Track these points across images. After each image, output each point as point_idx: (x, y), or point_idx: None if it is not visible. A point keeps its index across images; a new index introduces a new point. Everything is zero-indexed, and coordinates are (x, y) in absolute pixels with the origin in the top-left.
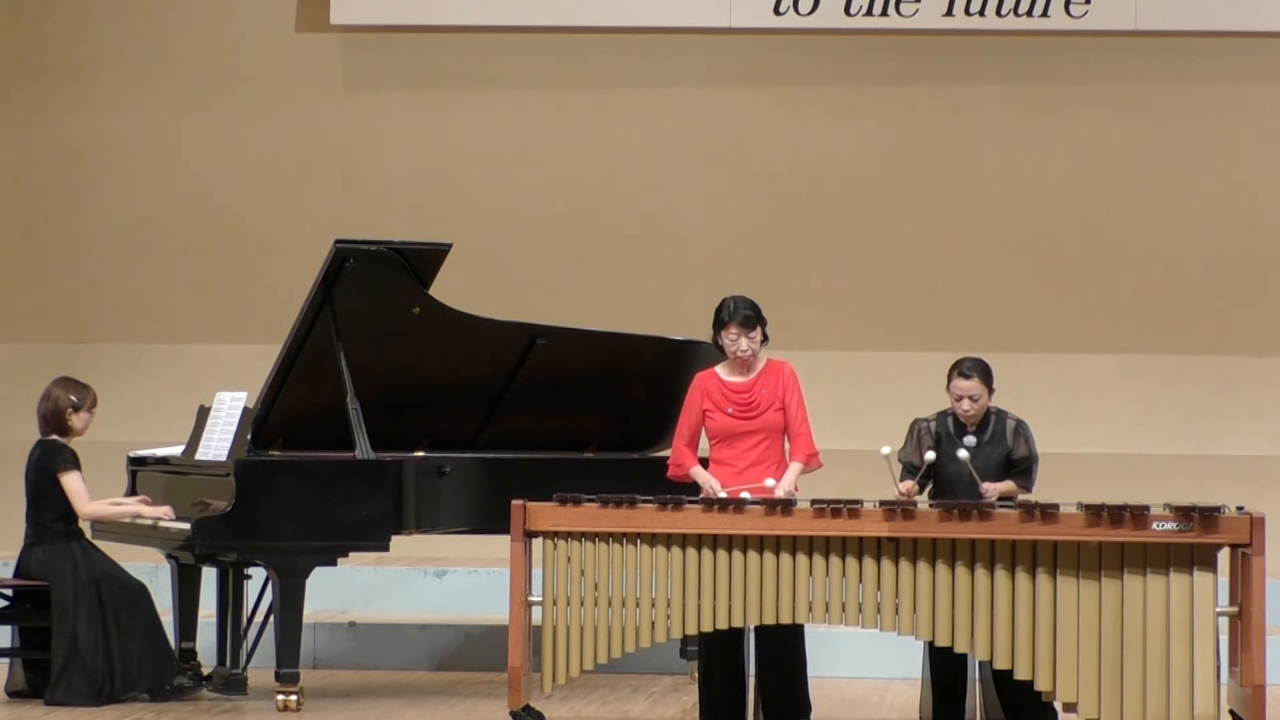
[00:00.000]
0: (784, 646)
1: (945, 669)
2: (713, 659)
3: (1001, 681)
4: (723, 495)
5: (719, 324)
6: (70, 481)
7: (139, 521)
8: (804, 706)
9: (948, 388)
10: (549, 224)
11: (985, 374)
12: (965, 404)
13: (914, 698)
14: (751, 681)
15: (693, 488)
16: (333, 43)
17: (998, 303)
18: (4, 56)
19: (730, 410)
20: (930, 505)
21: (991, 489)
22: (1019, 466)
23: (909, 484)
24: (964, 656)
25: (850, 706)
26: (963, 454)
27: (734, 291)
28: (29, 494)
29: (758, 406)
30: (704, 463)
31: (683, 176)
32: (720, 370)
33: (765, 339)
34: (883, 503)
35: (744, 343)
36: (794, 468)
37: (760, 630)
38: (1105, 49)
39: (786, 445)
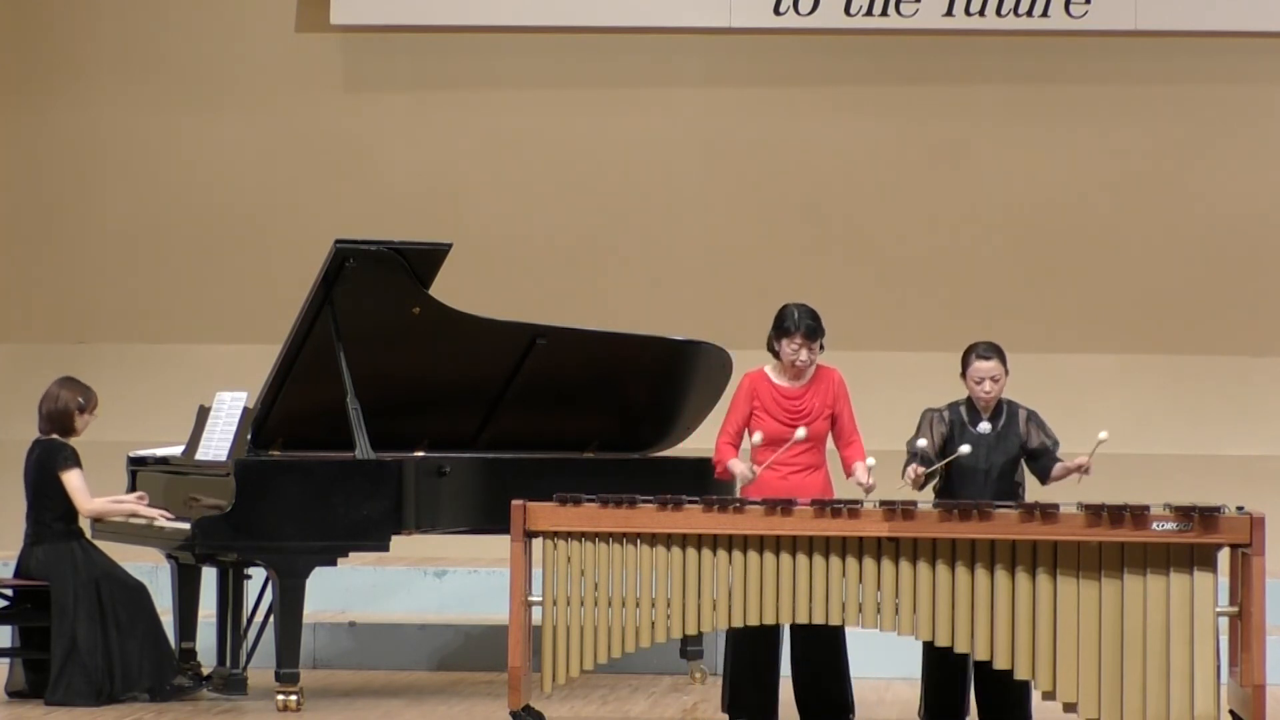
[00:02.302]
0: (822, 649)
1: (941, 666)
2: (742, 655)
3: (983, 679)
4: (754, 472)
5: (782, 332)
6: (72, 479)
7: (134, 520)
8: (846, 711)
9: (963, 374)
10: (549, 224)
11: (1002, 355)
12: (987, 385)
13: (915, 698)
14: (783, 682)
15: (705, 488)
16: (333, 43)
17: (998, 303)
18: (4, 56)
19: (780, 416)
20: (931, 505)
21: (1087, 462)
22: (1050, 455)
23: (915, 469)
24: (962, 654)
25: None
26: (964, 451)
27: (732, 291)
28: (29, 493)
29: (809, 414)
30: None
31: (683, 176)
32: (770, 373)
33: (821, 348)
34: (883, 503)
35: (804, 354)
36: (862, 463)
37: (796, 630)
38: (1105, 49)
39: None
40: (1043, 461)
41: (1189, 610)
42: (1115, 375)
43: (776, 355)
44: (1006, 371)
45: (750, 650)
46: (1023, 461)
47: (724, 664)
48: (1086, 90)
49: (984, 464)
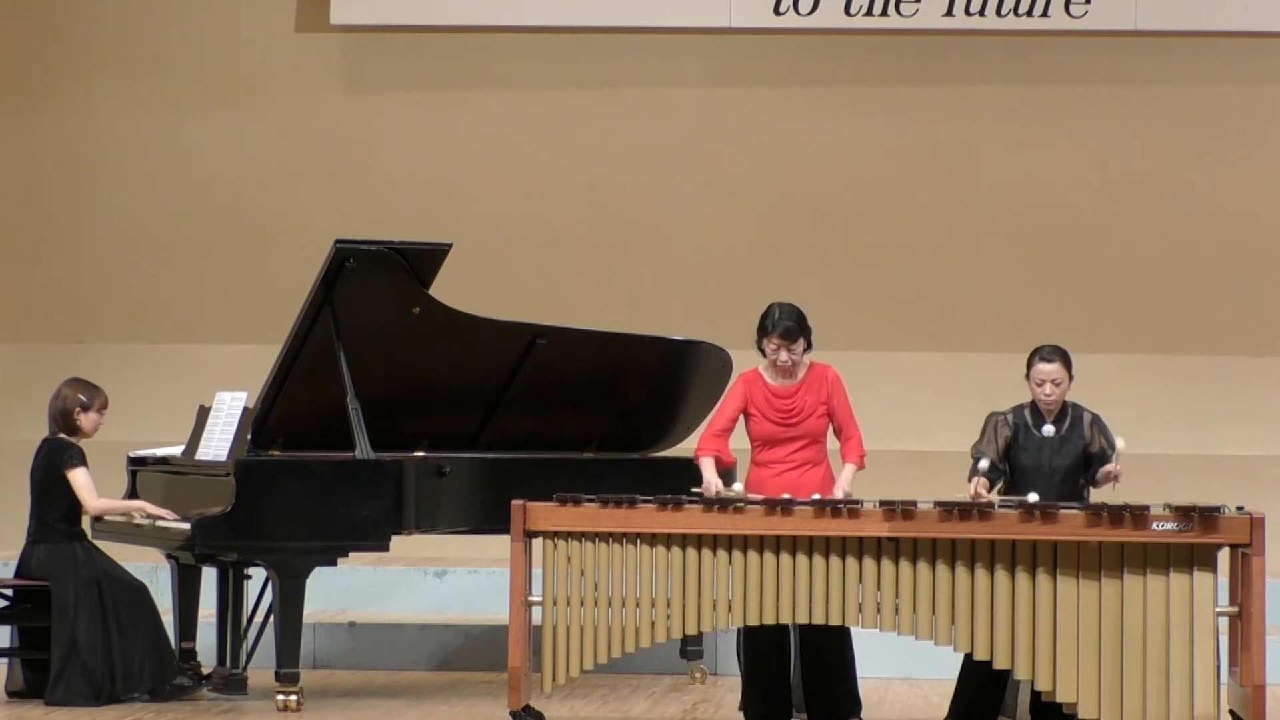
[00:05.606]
0: (830, 645)
1: (975, 678)
2: (751, 657)
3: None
4: (715, 490)
5: (762, 331)
6: (77, 476)
7: (140, 520)
8: (854, 705)
9: (1027, 376)
10: (549, 224)
11: (1066, 359)
12: (1048, 388)
13: (914, 698)
14: (795, 681)
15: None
16: (333, 43)
17: (998, 303)
18: (5, 56)
19: (772, 416)
20: (931, 505)
21: (1117, 470)
22: (1104, 459)
23: (979, 482)
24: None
25: None
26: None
27: (732, 291)
28: (34, 492)
29: (800, 413)
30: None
31: (682, 177)
32: (764, 373)
33: (809, 347)
34: (882, 503)
35: (784, 354)
36: (849, 469)
37: (804, 630)
38: (1105, 49)
39: (830, 446)
40: (1095, 466)
41: (1189, 610)
42: (1115, 375)
43: (764, 355)
44: (1070, 376)
45: (758, 651)
46: None
47: (742, 669)
48: (1086, 90)
49: (1047, 467)
